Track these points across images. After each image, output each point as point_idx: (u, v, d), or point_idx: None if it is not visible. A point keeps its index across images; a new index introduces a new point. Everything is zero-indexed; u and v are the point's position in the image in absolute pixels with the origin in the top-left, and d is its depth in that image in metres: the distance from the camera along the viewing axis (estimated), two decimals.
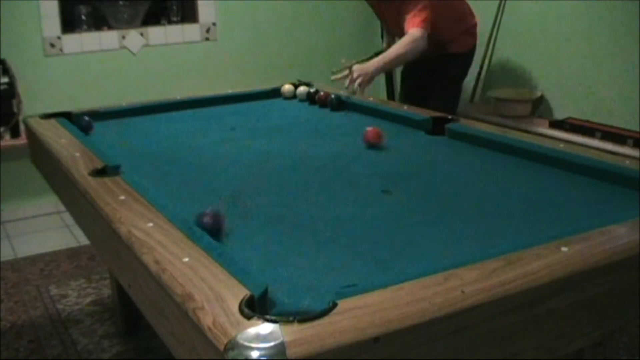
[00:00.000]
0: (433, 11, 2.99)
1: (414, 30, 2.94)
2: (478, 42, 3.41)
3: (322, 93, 2.67)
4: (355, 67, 2.89)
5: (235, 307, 1.00)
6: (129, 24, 4.01)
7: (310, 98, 2.74)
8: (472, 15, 3.35)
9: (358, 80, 2.83)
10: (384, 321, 0.97)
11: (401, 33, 3.06)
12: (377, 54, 3.20)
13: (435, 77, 3.33)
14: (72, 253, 3.37)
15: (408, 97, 3.47)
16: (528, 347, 1.14)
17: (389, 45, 3.31)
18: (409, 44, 2.95)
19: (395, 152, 2.05)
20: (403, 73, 3.54)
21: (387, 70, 2.96)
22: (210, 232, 1.33)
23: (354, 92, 2.76)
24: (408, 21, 2.96)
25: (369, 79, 2.88)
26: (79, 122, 2.31)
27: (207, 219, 1.37)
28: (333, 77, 2.74)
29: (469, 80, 3.96)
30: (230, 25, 4.26)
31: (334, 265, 1.24)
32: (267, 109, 2.68)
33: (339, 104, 2.59)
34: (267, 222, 1.49)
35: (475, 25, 3.35)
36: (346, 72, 2.90)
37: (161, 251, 1.23)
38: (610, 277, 1.21)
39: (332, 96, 2.60)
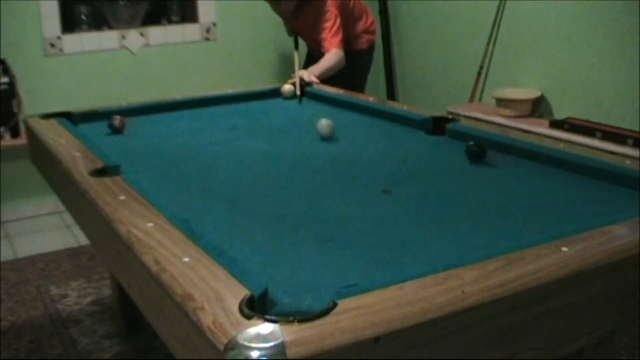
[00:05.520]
0: (341, 22, 3.38)
1: (336, 50, 3.35)
2: (377, 39, 3.74)
3: None
4: (302, 72, 3.05)
5: (235, 307, 1.00)
6: (129, 24, 4.01)
7: None
8: (369, 14, 3.71)
9: (311, 79, 3.01)
10: (384, 321, 0.97)
11: (315, 44, 3.46)
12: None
13: (339, 73, 3.39)
14: (72, 253, 3.37)
15: None
16: (528, 347, 1.14)
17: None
18: (337, 60, 3.34)
19: (395, 152, 2.05)
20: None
21: (324, 78, 3.23)
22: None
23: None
24: (327, 42, 3.36)
25: (316, 81, 3.08)
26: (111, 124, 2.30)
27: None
28: (287, 87, 2.83)
29: (469, 80, 3.97)
30: (230, 25, 4.26)
31: (334, 265, 1.24)
32: (267, 109, 2.68)
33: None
34: (267, 221, 1.49)
35: (373, 22, 3.72)
36: (295, 79, 2.95)
37: (161, 251, 1.23)
38: (610, 277, 1.21)
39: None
